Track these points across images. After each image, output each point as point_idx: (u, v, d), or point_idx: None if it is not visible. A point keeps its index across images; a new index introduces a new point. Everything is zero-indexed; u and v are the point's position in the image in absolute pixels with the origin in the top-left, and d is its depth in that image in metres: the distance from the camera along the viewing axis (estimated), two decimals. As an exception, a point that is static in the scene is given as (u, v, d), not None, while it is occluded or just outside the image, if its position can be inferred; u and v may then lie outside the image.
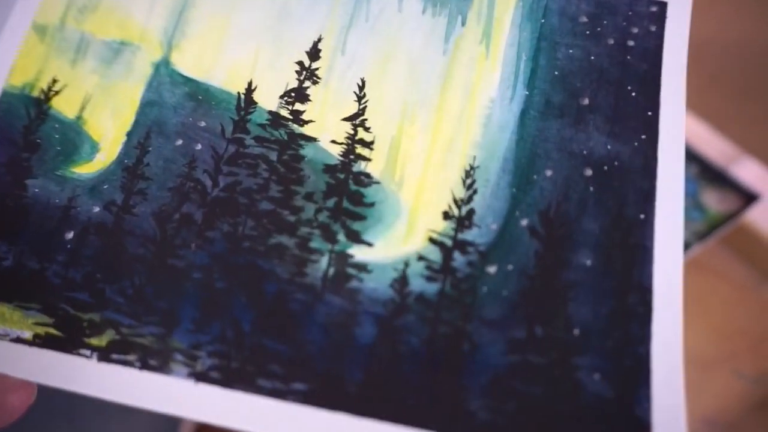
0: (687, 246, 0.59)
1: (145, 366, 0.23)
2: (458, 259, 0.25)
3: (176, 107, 0.28)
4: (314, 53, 0.28)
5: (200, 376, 0.23)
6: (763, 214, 0.62)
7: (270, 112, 0.27)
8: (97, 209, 0.26)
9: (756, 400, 0.54)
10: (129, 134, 0.28)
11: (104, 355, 0.24)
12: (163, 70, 0.29)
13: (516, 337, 0.23)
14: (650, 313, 0.23)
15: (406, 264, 0.25)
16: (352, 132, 0.27)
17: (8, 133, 0.28)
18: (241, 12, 0.29)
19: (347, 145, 0.27)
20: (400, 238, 0.25)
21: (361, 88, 0.28)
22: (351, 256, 0.25)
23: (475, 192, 0.26)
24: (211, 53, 0.29)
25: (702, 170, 0.63)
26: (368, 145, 0.27)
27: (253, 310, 0.24)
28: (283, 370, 0.23)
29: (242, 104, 0.28)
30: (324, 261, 0.25)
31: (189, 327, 0.24)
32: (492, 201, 0.25)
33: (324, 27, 0.29)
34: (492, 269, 0.24)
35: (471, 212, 0.25)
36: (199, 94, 0.28)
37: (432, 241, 0.25)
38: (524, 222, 0.25)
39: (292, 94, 0.28)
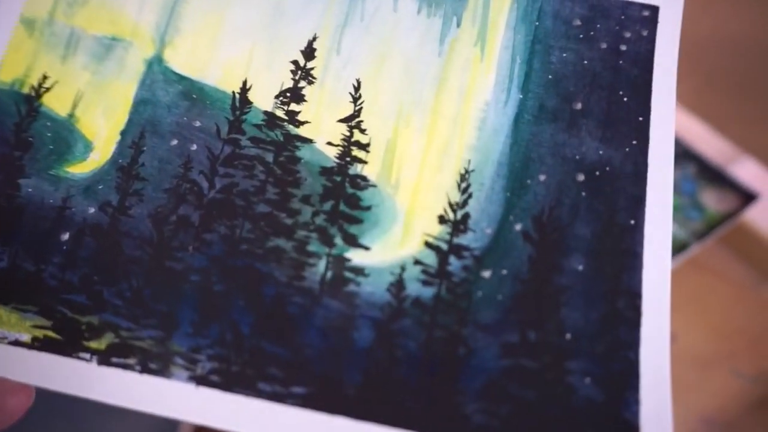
0: (686, 245, 0.60)
1: (145, 369, 0.24)
2: (454, 263, 0.25)
3: (170, 106, 0.28)
4: (309, 52, 0.28)
5: (201, 380, 0.23)
6: (761, 214, 0.63)
7: (265, 113, 0.27)
8: (92, 210, 0.26)
9: (754, 399, 0.55)
10: (123, 133, 0.27)
11: (104, 358, 0.24)
12: (156, 67, 0.28)
13: (510, 342, 0.24)
14: (639, 318, 0.24)
15: (403, 268, 0.25)
16: (348, 133, 0.27)
17: (-1, 131, 0.27)
18: (234, 8, 0.29)
19: (343, 147, 0.27)
20: (396, 241, 0.25)
21: (357, 88, 0.28)
22: (348, 260, 0.25)
23: (470, 196, 0.26)
24: (205, 51, 0.28)
25: (701, 170, 0.64)
26: (364, 147, 0.27)
27: (251, 313, 0.24)
28: (283, 373, 0.24)
29: (237, 104, 0.28)
30: (321, 264, 0.25)
31: (188, 330, 0.24)
32: (487, 205, 0.26)
33: (319, 25, 0.29)
34: (487, 274, 0.25)
35: (466, 216, 0.26)
36: (193, 92, 0.28)
37: (428, 245, 0.25)
38: (518, 227, 0.25)
39: (288, 94, 0.28)
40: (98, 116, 0.28)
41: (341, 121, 0.27)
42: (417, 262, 0.25)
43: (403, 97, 0.28)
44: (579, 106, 0.27)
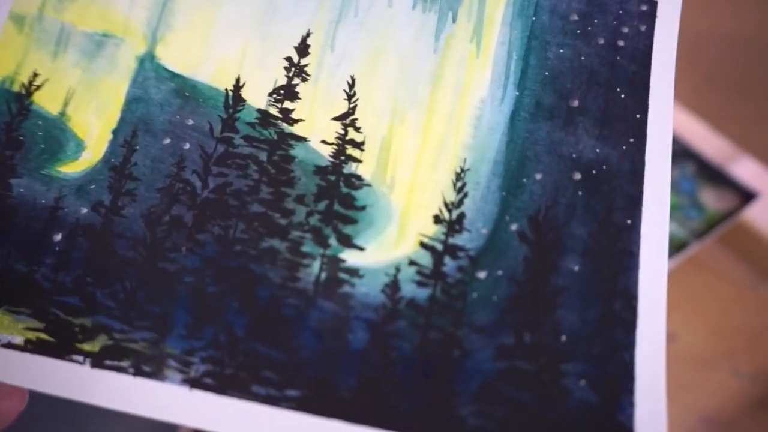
0: (685, 244, 0.61)
1: (139, 372, 0.24)
2: (449, 264, 0.25)
3: (163, 104, 0.27)
4: (303, 49, 0.28)
5: (194, 383, 0.23)
6: (761, 213, 0.63)
7: (259, 110, 0.27)
8: (84, 210, 0.26)
9: (754, 398, 0.55)
10: (115, 132, 0.27)
11: (97, 360, 0.24)
12: (148, 64, 0.28)
13: (505, 344, 0.24)
14: (635, 319, 0.24)
15: (398, 269, 0.25)
16: (342, 132, 0.27)
17: (-10, 130, 0.27)
18: (227, 4, 0.28)
19: (338, 145, 0.27)
20: (391, 242, 0.25)
21: (351, 86, 0.27)
22: (343, 261, 0.25)
23: (465, 195, 0.26)
24: (198, 47, 0.28)
25: (700, 169, 0.64)
26: (359, 145, 0.27)
27: (246, 315, 0.24)
28: (277, 376, 0.23)
29: (230, 102, 0.27)
30: (316, 265, 0.25)
31: (182, 332, 0.24)
32: (482, 205, 0.26)
33: (313, 21, 0.28)
34: (482, 274, 0.25)
35: (461, 216, 0.26)
36: (186, 90, 0.27)
37: (423, 245, 0.25)
38: (514, 226, 0.25)
39: (281, 92, 0.27)
40: (90, 115, 0.27)
41: (336, 119, 0.27)
42: (412, 262, 0.25)
43: (398, 95, 0.27)
44: (576, 103, 0.27)
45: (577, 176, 0.26)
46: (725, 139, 0.64)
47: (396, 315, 0.24)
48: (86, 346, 0.24)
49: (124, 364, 0.24)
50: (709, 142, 0.64)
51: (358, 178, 0.26)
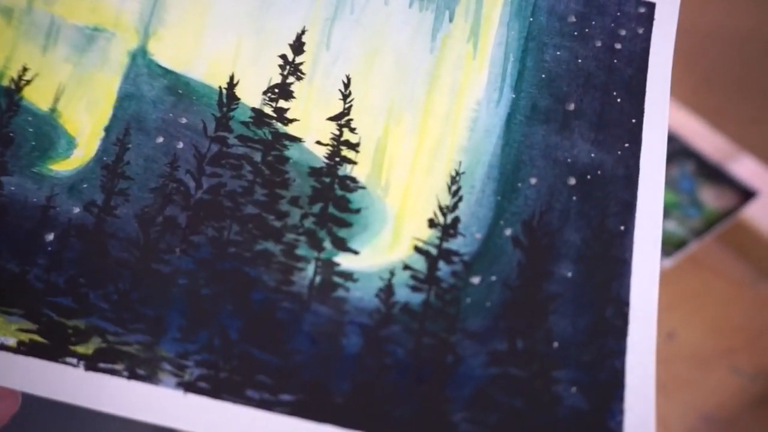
0: (684, 243, 0.61)
1: (133, 375, 0.24)
2: (443, 268, 0.25)
3: (156, 101, 0.27)
4: (298, 46, 0.28)
5: (189, 387, 0.23)
6: (760, 211, 0.63)
7: (253, 109, 0.27)
8: (77, 210, 0.26)
9: (753, 397, 0.56)
10: (107, 129, 0.27)
11: (91, 363, 0.24)
12: (141, 60, 0.28)
13: (498, 350, 0.24)
14: (626, 326, 0.24)
15: (392, 273, 0.25)
16: (337, 132, 0.27)
17: (-21, 126, 0.27)
18: (221, -1, 0.28)
19: (332, 146, 0.26)
20: (385, 246, 0.25)
21: (347, 85, 0.27)
22: (337, 264, 0.25)
23: (460, 199, 0.26)
24: (191, 43, 0.28)
25: (699, 167, 0.64)
26: (354, 147, 0.26)
27: (240, 318, 0.24)
28: (271, 380, 0.24)
29: (224, 100, 0.27)
30: (310, 269, 0.25)
31: (176, 335, 0.24)
32: (477, 209, 0.26)
33: (308, 18, 0.28)
34: (476, 280, 0.25)
35: (456, 220, 0.26)
36: (179, 87, 0.27)
37: (417, 249, 0.25)
38: (508, 231, 0.25)
39: (276, 90, 0.27)
40: (81, 111, 0.27)
41: (331, 119, 0.27)
42: (406, 267, 0.25)
43: (394, 95, 0.27)
44: (572, 106, 0.27)
45: (572, 181, 0.26)
46: (724, 137, 0.65)
47: (390, 320, 0.24)
48: (80, 349, 0.24)
49: (118, 367, 0.24)
50: (708, 141, 0.64)
51: (353, 180, 0.26)
